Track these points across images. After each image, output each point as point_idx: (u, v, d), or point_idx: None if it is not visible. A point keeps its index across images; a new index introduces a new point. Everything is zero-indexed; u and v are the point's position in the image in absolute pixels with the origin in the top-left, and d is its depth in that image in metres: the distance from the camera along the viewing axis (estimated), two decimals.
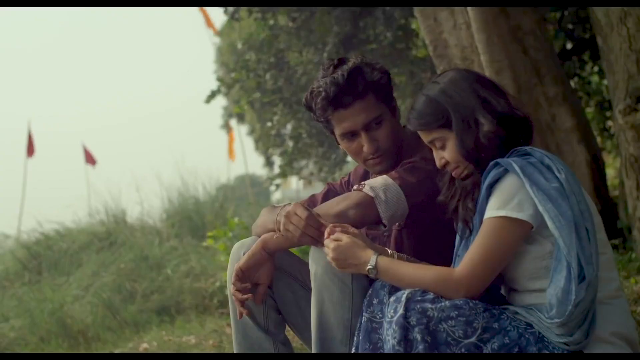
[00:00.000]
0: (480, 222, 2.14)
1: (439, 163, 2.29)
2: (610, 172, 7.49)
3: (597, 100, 6.87)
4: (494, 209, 2.10)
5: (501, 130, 2.17)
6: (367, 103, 2.55)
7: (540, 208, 2.06)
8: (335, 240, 2.24)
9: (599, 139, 6.80)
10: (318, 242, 2.32)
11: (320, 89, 2.55)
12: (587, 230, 2.06)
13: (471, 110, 2.18)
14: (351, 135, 2.59)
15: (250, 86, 8.42)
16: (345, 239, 2.23)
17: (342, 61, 2.59)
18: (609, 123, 6.94)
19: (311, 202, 2.74)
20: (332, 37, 7.60)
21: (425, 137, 2.28)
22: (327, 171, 9.58)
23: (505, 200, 2.09)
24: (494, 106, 2.18)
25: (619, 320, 2.12)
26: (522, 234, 2.10)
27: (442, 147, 2.25)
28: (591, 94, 6.88)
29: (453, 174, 2.28)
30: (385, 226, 2.45)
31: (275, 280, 2.58)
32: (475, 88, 2.21)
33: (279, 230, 2.42)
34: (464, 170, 2.25)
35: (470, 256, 2.11)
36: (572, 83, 6.52)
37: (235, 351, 2.66)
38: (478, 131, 2.17)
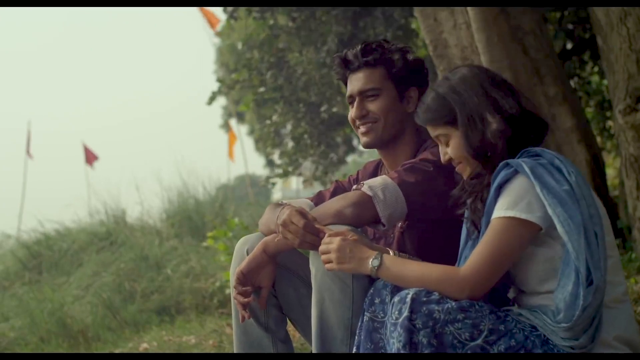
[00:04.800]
0: (488, 222, 2.13)
1: (443, 158, 2.30)
2: (610, 172, 7.49)
3: (597, 100, 6.87)
4: (502, 209, 2.09)
5: (509, 130, 2.17)
6: (372, 73, 2.63)
7: (550, 211, 2.05)
8: (328, 244, 2.24)
9: (599, 139, 6.80)
10: (317, 247, 2.32)
11: (348, 48, 2.70)
12: (595, 235, 2.05)
13: (479, 109, 2.19)
14: (351, 100, 2.68)
15: (254, 83, 8.42)
16: (340, 240, 2.23)
17: (386, 41, 2.70)
18: (609, 123, 6.94)
19: (318, 199, 2.74)
20: (332, 36, 7.60)
21: (432, 132, 2.30)
22: (325, 171, 9.58)
23: (515, 200, 2.08)
24: (503, 106, 2.18)
25: (623, 324, 2.11)
26: (529, 236, 2.09)
27: (447, 143, 2.27)
28: (591, 94, 6.88)
29: (457, 169, 2.28)
30: (384, 225, 2.45)
31: (277, 278, 2.58)
32: (485, 87, 2.21)
33: (279, 233, 2.42)
34: (466, 167, 2.25)
35: (476, 255, 2.10)
36: (572, 83, 6.52)
37: (234, 347, 2.66)
38: (485, 130, 2.17)
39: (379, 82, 2.63)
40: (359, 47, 2.65)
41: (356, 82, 2.65)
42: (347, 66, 2.67)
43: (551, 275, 2.11)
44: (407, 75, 2.65)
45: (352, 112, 2.67)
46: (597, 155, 4.78)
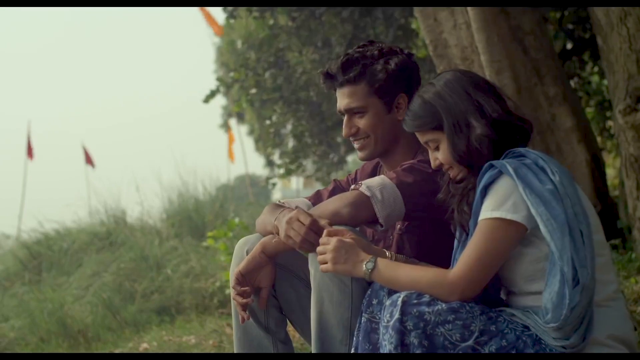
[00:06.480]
0: (476, 224, 2.14)
1: (433, 164, 2.30)
2: (610, 172, 7.49)
3: (597, 100, 6.88)
4: (488, 210, 2.10)
5: (494, 134, 2.17)
6: (356, 91, 2.58)
7: (533, 211, 2.05)
8: (325, 244, 2.24)
9: (599, 139, 6.80)
10: (316, 249, 2.31)
11: (331, 62, 2.64)
12: (581, 233, 2.05)
13: (463, 114, 2.19)
14: (341, 114, 2.66)
15: (249, 84, 8.42)
16: (336, 241, 2.22)
17: (371, 42, 2.65)
18: (609, 123, 6.94)
19: (317, 198, 2.74)
20: (336, 37, 7.61)
21: (421, 138, 2.30)
22: (325, 171, 9.59)
23: (500, 201, 2.09)
24: (487, 110, 2.19)
25: (616, 323, 2.11)
26: (516, 236, 2.09)
27: (436, 149, 2.27)
28: (591, 94, 6.88)
29: (451, 175, 2.29)
30: (382, 226, 2.44)
31: (277, 278, 2.57)
32: (469, 91, 2.22)
33: (277, 234, 2.42)
34: (458, 172, 2.25)
35: (465, 257, 2.10)
36: (572, 83, 6.53)
37: (234, 347, 2.66)
38: (470, 134, 2.18)
39: (363, 100, 2.58)
40: (339, 62, 2.58)
41: (342, 98, 2.61)
42: (332, 81, 2.62)
43: (539, 276, 2.11)
44: (391, 85, 2.58)
45: (343, 129, 2.65)
46: (597, 155, 4.78)
